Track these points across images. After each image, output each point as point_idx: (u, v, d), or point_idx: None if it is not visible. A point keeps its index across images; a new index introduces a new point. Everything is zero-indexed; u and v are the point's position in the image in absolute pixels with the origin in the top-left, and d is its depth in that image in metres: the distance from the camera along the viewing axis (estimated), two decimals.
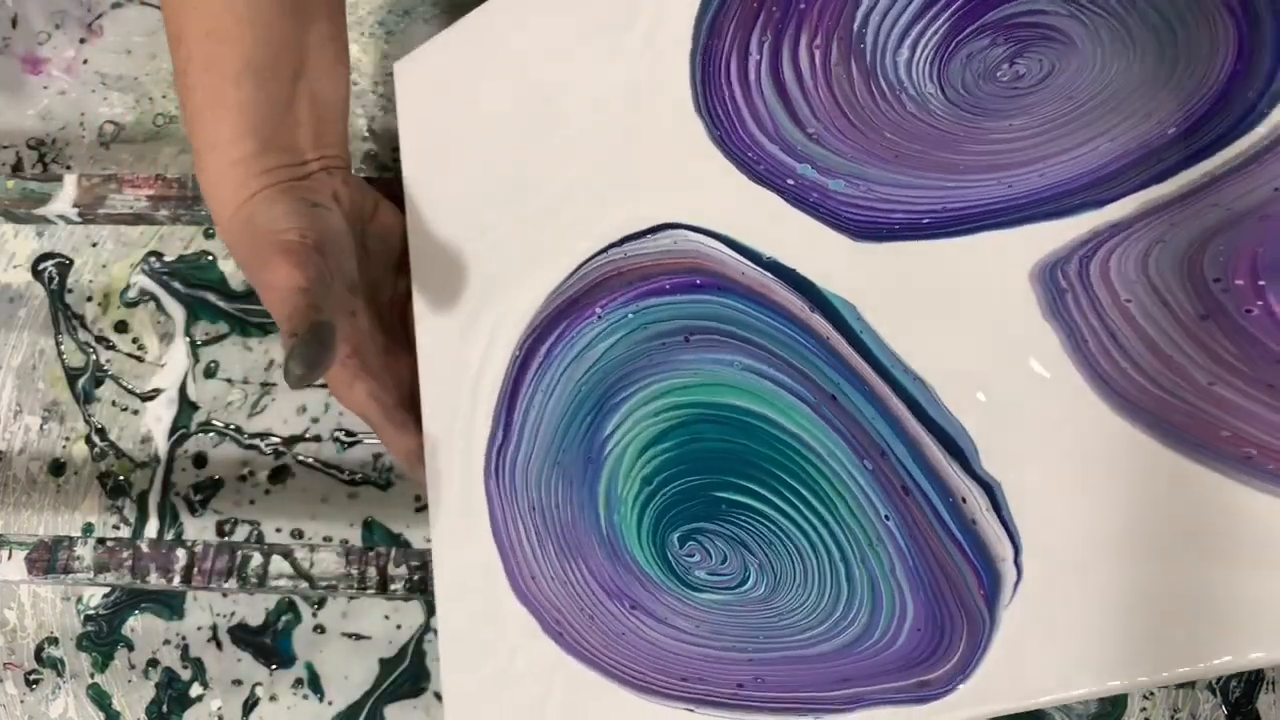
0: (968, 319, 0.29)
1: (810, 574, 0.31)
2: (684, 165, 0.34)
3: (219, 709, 0.55)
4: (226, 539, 0.57)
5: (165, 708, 0.55)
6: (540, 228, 0.38)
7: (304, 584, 0.45)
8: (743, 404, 0.33)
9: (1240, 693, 0.52)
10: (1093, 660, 0.26)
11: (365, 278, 0.41)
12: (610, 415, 0.35)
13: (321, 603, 0.56)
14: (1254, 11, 0.28)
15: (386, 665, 0.55)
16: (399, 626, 0.55)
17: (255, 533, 0.57)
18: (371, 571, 0.44)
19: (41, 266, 0.62)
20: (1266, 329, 0.26)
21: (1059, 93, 0.30)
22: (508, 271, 0.38)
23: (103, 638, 0.57)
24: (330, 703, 0.55)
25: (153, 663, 0.56)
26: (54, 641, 0.57)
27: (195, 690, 0.55)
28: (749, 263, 0.33)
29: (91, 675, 0.56)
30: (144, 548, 0.45)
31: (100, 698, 0.56)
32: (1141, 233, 0.28)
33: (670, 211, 0.34)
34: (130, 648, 0.56)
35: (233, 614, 0.56)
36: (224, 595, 0.57)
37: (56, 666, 0.57)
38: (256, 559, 0.45)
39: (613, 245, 0.35)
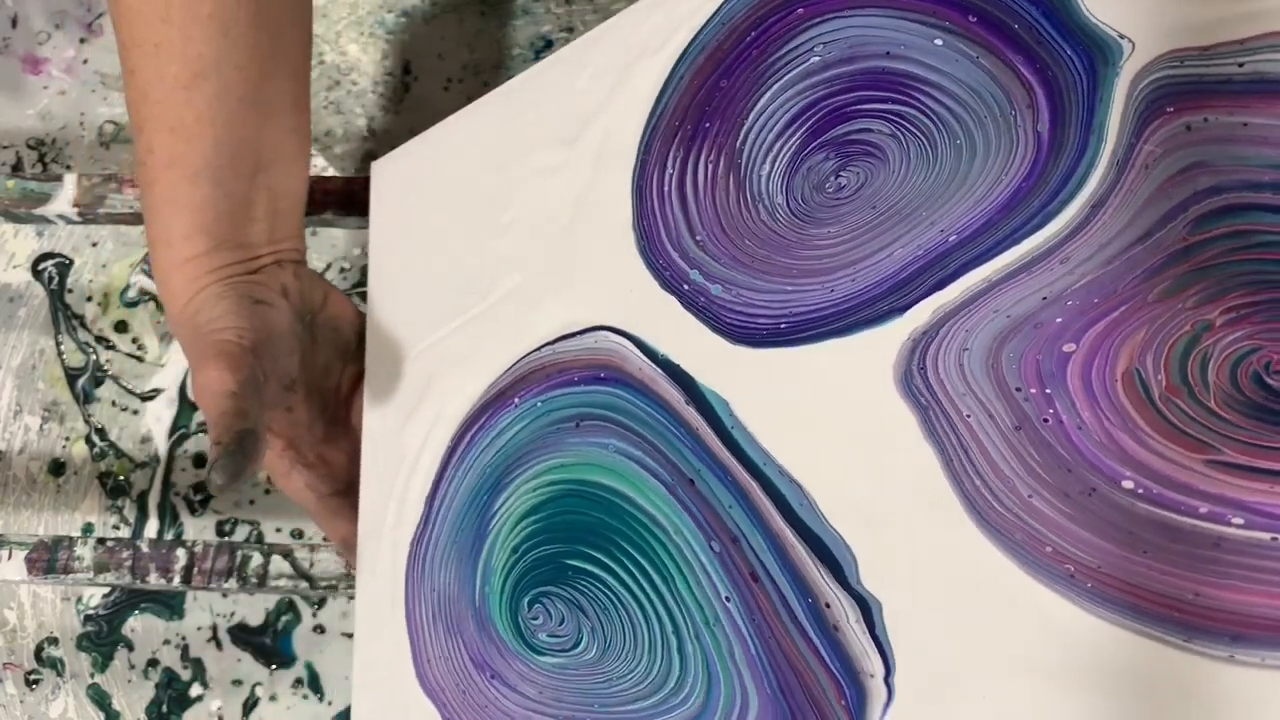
0: (845, 431, 0.30)
1: (640, 641, 0.32)
2: (614, 273, 0.37)
3: (219, 709, 0.55)
4: (226, 539, 0.57)
5: (165, 708, 0.55)
6: (485, 328, 0.40)
7: (304, 584, 0.45)
8: (607, 481, 0.35)
9: None
10: None
11: (311, 365, 0.42)
12: (501, 492, 0.37)
13: (321, 603, 0.56)
14: (1059, 136, 0.29)
15: None
16: None
17: (255, 533, 0.57)
18: None
19: (41, 266, 0.63)
20: (1058, 437, 0.27)
21: (866, 203, 0.32)
22: (452, 368, 0.40)
23: (103, 638, 0.57)
24: (330, 703, 0.55)
25: (153, 663, 0.56)
26: (54, 641, 0.57)
27: (195, 690, 0.55)
28: (646, 359, 0.35)
29: (91, 675, 0.56)
30: (144, 548, 0.46)
31: (100, 698, 0.56)
32: (946, 339, 0.29)
33: (598, 315, 0.37)
34: (130, 648, 0.57)
35: (233, 614, 0.56)
36: (224, 595, 0.57)
37: (56, 666, 0.57)
38: (256, 559, 0.45)
39: (546, 345, 0.38)
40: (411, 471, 0.40)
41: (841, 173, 0.33)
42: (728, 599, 0.31)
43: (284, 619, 0.56)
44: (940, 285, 0.30)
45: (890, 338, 0.30)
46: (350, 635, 0.55)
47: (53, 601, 0.57)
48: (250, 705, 0.55)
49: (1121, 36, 0.29)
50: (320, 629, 0.56)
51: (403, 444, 0.40)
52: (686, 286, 0.35)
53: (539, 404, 0.37)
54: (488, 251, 0.40)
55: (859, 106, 0.33)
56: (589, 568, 0.34)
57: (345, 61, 0.63)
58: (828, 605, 0.29)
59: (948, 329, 0.30)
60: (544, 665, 0.35)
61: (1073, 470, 0.27)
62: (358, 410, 0.43)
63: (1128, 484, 0.26)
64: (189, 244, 0.38)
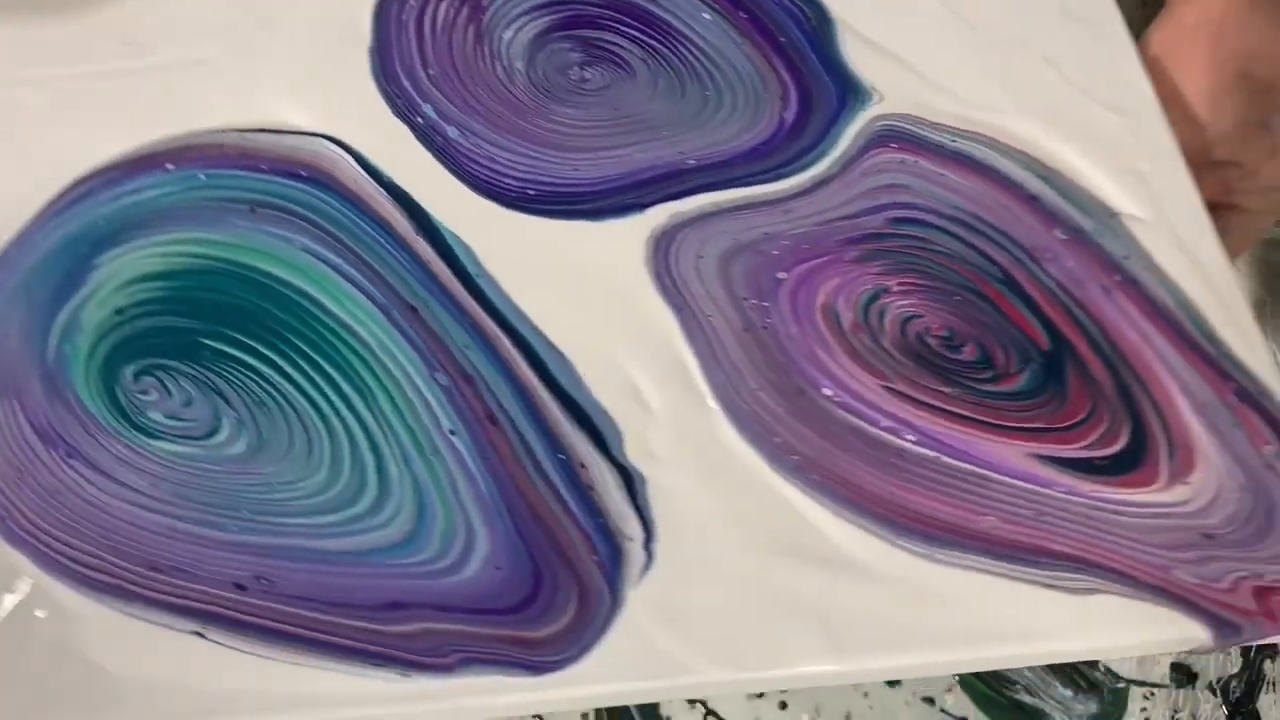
0: (606, 312, 0.31)
1: (320, 451, 0.29)
2: (343, 87, 0.35)
3: None
4: None
5: None
6: (137, 85, 0.35)
7: None
8: (286, 276, 0.31)
9: (1241, 693, 0.52)
10: (716, 652, 0.27)
11: None
12: (113, 247, 0.31)
13: None
14: (801, 126, 0.36)
15: None
16: None
17: None
18: None
19: None
20: (775, 341, 0.32)
21: (608, 103, 0.35)
22: (67, 113, 0.34)
23: None
24: None
25: None
26: None
27: None
28: (368, 176, 0.33)
29: None
30: None
31: None
32: (683, 244, 0.33)
33: (317, 123, 0.34)
34: None
35: None
36: None
37: None
38: None
39: (233, 129, 0.34)
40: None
41: (586, 68, 0.35)
42: (452, 433, 0.29)
43: None
44: (676, 196, 0.33)
45: (635, 231, 0.32)
46: None
47: None
48: None
49: (873, 88, 0.36)
50: None
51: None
52: (420, 120, 0.34)
53: (201, 176, 0.32)
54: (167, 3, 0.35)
55: (613, 25, 0.36)
56: (238, 354, 0.29)
57: None
58: (583, 465, 0.28)
59: (683, 235, 0.32)
60: (159, 452, 0.28)
61: (786, 371, 0.30)
62: None
63: (827, 390, 0.30)
64: None
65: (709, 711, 0.47)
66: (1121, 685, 0.49)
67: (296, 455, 0.28)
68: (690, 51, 0.36)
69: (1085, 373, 0.32)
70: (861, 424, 0.30)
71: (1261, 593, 0.29)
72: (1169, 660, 0.50)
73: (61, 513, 0.27)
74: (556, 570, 0.27)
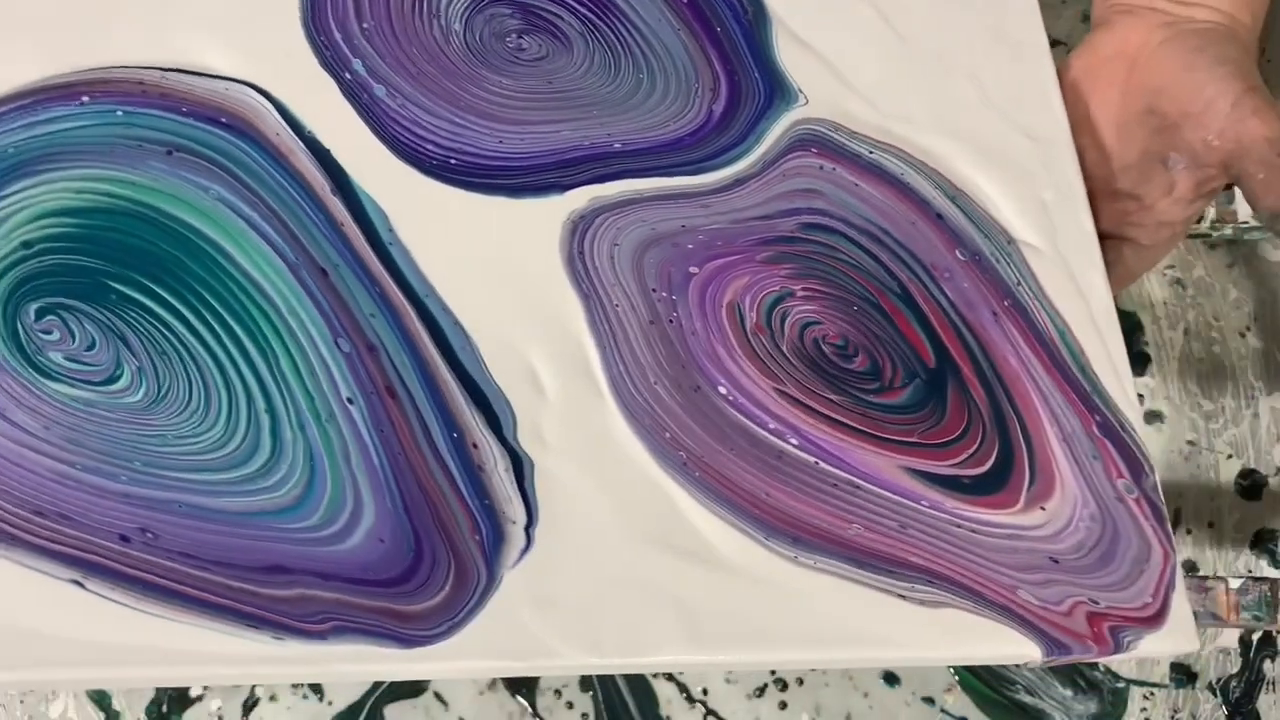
0: (514, 294, 0.32)
1: (217, 406, 0.29)
2: (271, 34, 0.35)
3: (219, 709, 0.53)
4: None
5: (165, 708, 0.53)
6: (50, 14, 0.33)
7: None
8: (197, 224, 0.31)
9: (1240, 693, 0.53)
10: (581, 638, 0.28)
11: None
12: (23, 179, 0.31)
13: None
14: (727, 121, 0.36)
15: None
16: None
17: None
18: None
19: None
20: (678, 337, 0.33)
21: (543, 74, 0.36)
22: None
23: None
24: (330, 703, 0.53)
25: None
26: None
27: (195, 690, 0.53)
28: (288, 128, 0.33)
29: None
30: None
31: (100, 698, 0.53)
32: (600, 229, 0.34)
33: (239, 69, 0.34)
34: None
35: None
36: None
37: None
38: None
39: (153, 68, 0.33)
40: None
41: (524, 36, 0.36)
42: (350, 400, 0.29)
43: None
44: (599, 180, 0.34)
45: (553, 213, 0.33)
46: None
47: None
48: (250, 705, 0.53)
49: (800, 90, 0.37)
50: None
51: None
52: (348, 75, 0.33)
53: (120, 113, 0.31)
54: None
55: None
56: (145, 301, 0.29)
57: None
58: (475, 445, 0.29)
59: (601, 220, 0.33)
60: (56, 394, 0.28)
61: (685, 367, 0.31)
62: None
63: (722, 389, 0.31)
64: None
65: (709, 711, 0.50)
66: (1121, 685, 0.52)
67: (193, 410, 0.28)
68: (629, 31, 0.36)
69: (965, 393, 0.33)
70: (750, 424, 0.31)
71: (1093, 618, 0.31)
72: (1169, 660, 0.52)
73: None
74: (437, 547, 0.28)
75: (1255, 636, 0.53)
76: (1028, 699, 0.52)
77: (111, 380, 0.28)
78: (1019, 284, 0.35)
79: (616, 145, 0.34)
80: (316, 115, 0.33)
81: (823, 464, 0.31)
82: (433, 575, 0.28)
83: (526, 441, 0.30)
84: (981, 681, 0.52)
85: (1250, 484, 0.54)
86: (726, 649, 0.29)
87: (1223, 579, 0.42)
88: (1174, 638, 0.32)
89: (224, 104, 0.32)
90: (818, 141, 0.36)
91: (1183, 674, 0.53)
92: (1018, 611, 0.31)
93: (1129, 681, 0.53)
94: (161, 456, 0.28)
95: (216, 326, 0.29)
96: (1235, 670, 0.53)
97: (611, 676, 0.50)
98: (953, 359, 0.34)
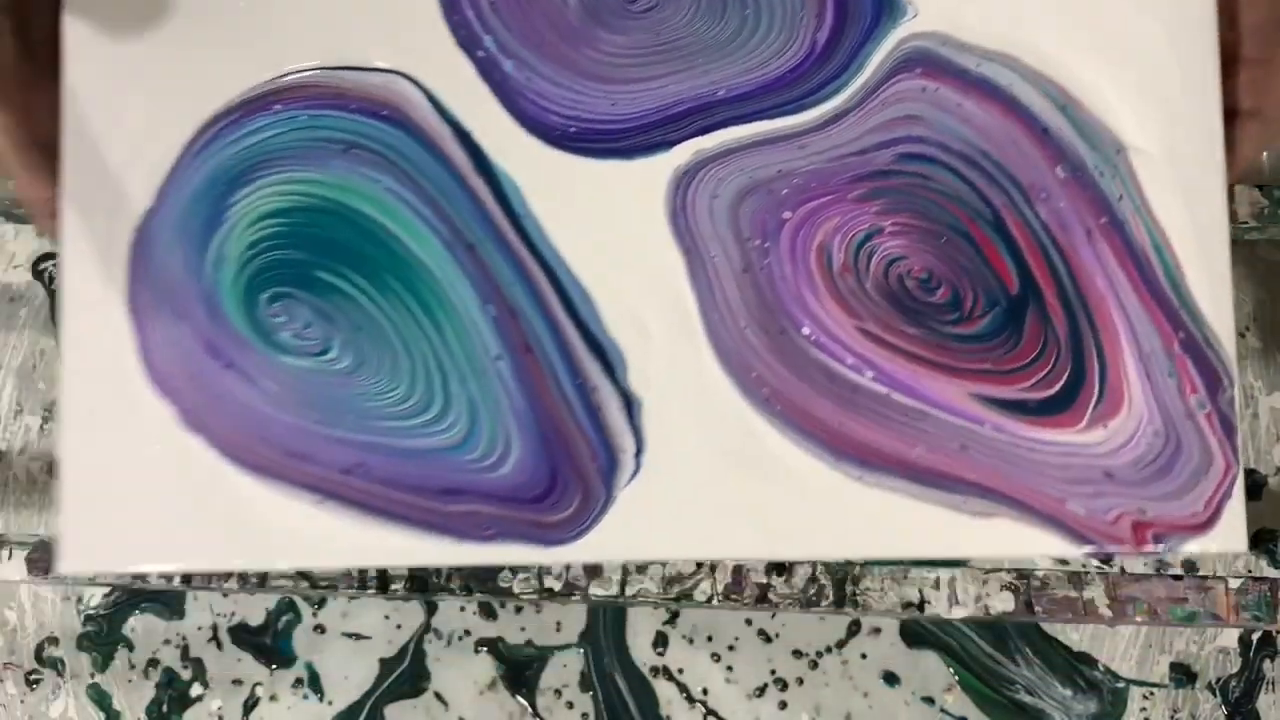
0: (624, 251, 0.37)
1: (402, 368, 0.37)
2: (412, 22, 0.37)
3: (219, 709, 0.56)
4: None
5: (165, 708, 0.56)
6: (248, 27, 0.37)
7: (304, 584, 0.46)
8: (375, 215, 0.37)
9: (1240, 693, 0.54)
10: (676, 540, 0.36)
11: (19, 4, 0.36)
12: (243, 186, 0.37)
13: (321, 603, 0.56)
14: (830, 50, 0.37)
15: (386, 665, 0.56)
16: (399, 626, 0.56)
17: None
18: (372, 571, 0.46)
19: (41, 266, 0.61)
20: (769, 283, 0.37)
21: (652, 26, 0.37)
22: (178, 54, 0.37)
23: (103, 638, 0.57)
24: (330, 703, 0.56)
25: (153, 662, 0.56)
26: (54, 641, 0.57)
27: (195, 690, 0.56)
28: (437, 114, 0.37)
29: (91, 675, 0.57)
30: None
31: (100, 698, 0.57)
32: (702, 183, 0.37)
33: (391, 59, 0.37)
34: (130, 648, 0.57)
35: (233, 614, 0.57)
36: (224, 595, 0.57)
37: (56, 666, 0.57)
38: None
39: (323, 68, 0.37)
40: (135, 154, 0.37)
41: None
42: (498, 358, 0.36)
43: (284, 619, 0.56)
44: (703, 131, 0.37)
45: (659, 170, 0.37)
46: (352, 635, 0.56)
47: (53, 601, 0.57)
48: (250, 705, 0.56)
49: (909, 2, 0.37)
50: (320, 629, 0.56)
51: (125, 108, 0.37)
52: (481, 53, 0.37)
53: (305, 117, 0.37)
54: None
55: None
56: (341, 284, 0.37)
57: None
58: (594, 389, 0.36)
59: (704, 174, 0.37)
60: (289, 365, 0.37)
61: (773, 312, 0.36)
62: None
63: (805, 330, 0.36)
64: None
65: (709, 711, 0.54)
66: (1121, 685, 0.54)
67: (385, 372, 0.37)
68: None
69: (1044, 318, 0.36)
70: (830, 361, 0.36)
71: (1138, 526, 0.35)
72: (1169, 660, 0.54)
73: (224, 410, 0.37)
74: (568, 473, 0.36)
75: (1255, 636, 0.53)
76: (1028, 699, 0.54)
77: (324, 352, 0.37)
78: (1121, 198, 0.36)
79: (720, 93, 0.37)
80: (457, 97, 0.37)
81: (895, 394, 0.36)
82: (565, 494, 0.36)
83: (636, 384, 0.36)
84: (981, 681, 0.54)
85: (1250, 484, 0.53)
86: (793, 546, 0.36)
87: (1223, 579, 0.44)
88: (1224, 538, 0.35)
89: (382, 96, 0.37)
90: (921, 58, 0.37)
91: (1182, 674, 0.54)
92: (1065, 522, 0.35)
93: (1129, 681, 0.54)
94: (365, 410, 0.37)
95: (399, 304, 0.37)
96: (1235, 670, 0.53)
97: (612, 676, 0.55)
98: (1036, 285, 0.36)
